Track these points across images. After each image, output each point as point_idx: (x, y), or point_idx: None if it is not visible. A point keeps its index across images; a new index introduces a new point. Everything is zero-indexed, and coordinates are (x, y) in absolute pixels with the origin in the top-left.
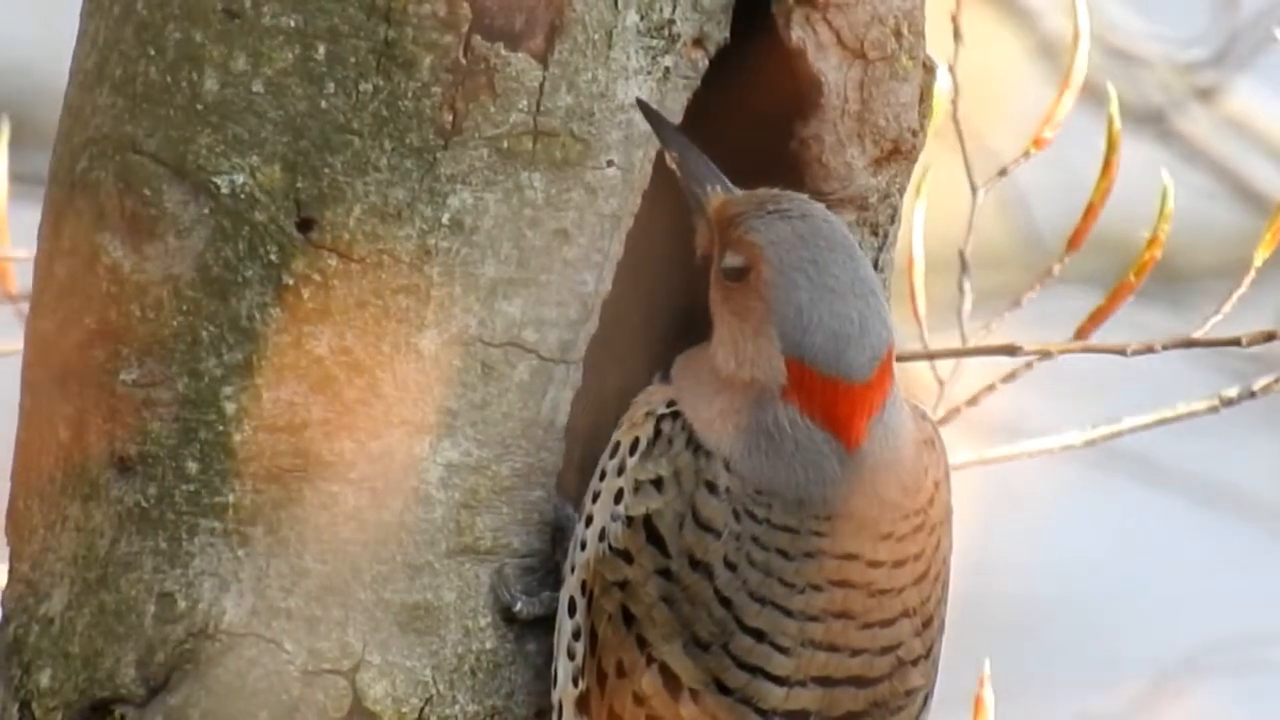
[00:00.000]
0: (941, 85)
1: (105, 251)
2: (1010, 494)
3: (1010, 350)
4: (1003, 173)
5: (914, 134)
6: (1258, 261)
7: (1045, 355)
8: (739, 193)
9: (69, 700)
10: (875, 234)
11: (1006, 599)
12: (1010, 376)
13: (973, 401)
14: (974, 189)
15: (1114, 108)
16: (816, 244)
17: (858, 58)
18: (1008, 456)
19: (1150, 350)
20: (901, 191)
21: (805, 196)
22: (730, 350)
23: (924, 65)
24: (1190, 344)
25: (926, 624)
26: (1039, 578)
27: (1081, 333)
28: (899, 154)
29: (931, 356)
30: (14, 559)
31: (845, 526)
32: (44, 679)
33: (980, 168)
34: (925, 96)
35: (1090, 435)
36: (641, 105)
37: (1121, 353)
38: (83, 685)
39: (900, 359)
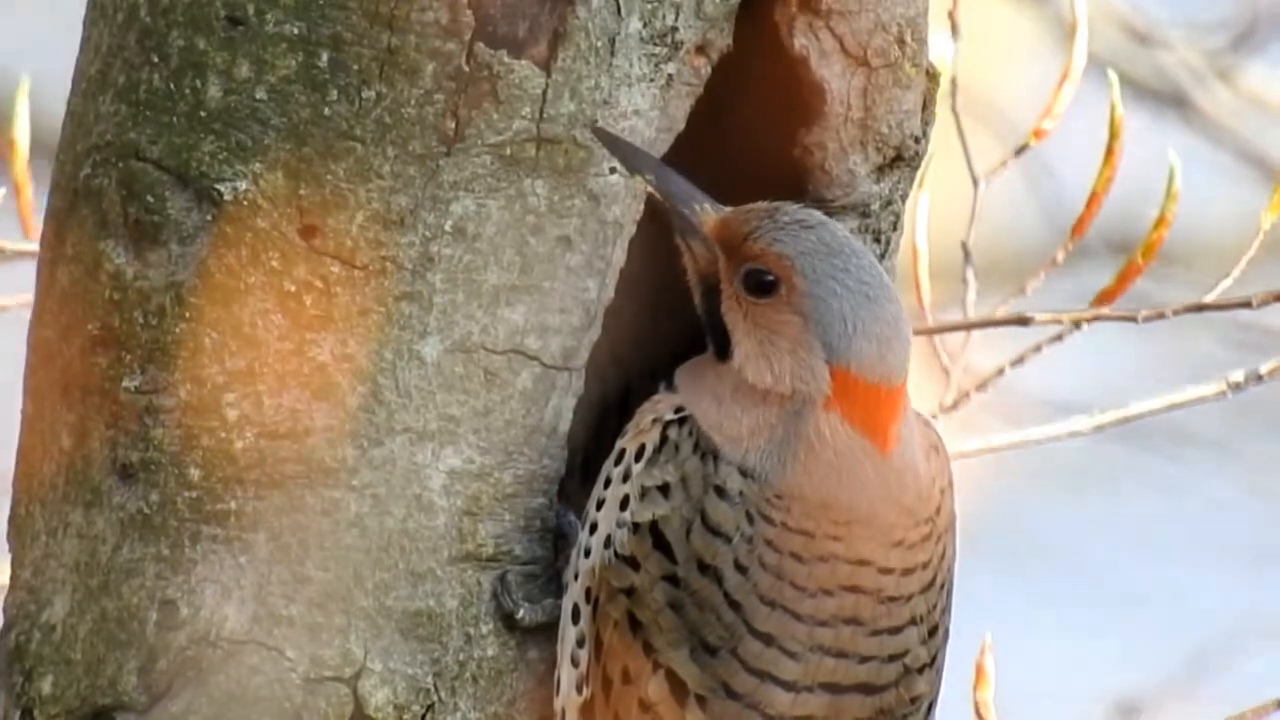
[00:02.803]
0: (945, 58)
1: (108, 258)
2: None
3: (1023, 321)
4: (1004, 164)
5: (917, 141)
6: (1266, 224)
7: (1058, 325)
8: (728, 209)
9: (71, 707)
10: (878, 241)
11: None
12: (1020, 360)
13: (982, 387)
14: (975, 182)
15: (1115, 93)
16: (842, 251)
17: (861, 65)
18: (1014, 445)
19: (1161, 316)
20: (904, 198)
21: (801, 205)
22: (763, 365)
23: (927, 72)
24: (1201, 308)
25: (932, 632)
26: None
27: (1095, 305)
28: (901, 161)
29: (942, 329)
30: (16, 565)
31: (861, 532)
32: (46, 686)
33: (1006, 142)
34: (928, 104)
35: (1099, 420)
36: (598, 133)
37: (1133, 319)
38: (84, 692)
39: (915, 332)
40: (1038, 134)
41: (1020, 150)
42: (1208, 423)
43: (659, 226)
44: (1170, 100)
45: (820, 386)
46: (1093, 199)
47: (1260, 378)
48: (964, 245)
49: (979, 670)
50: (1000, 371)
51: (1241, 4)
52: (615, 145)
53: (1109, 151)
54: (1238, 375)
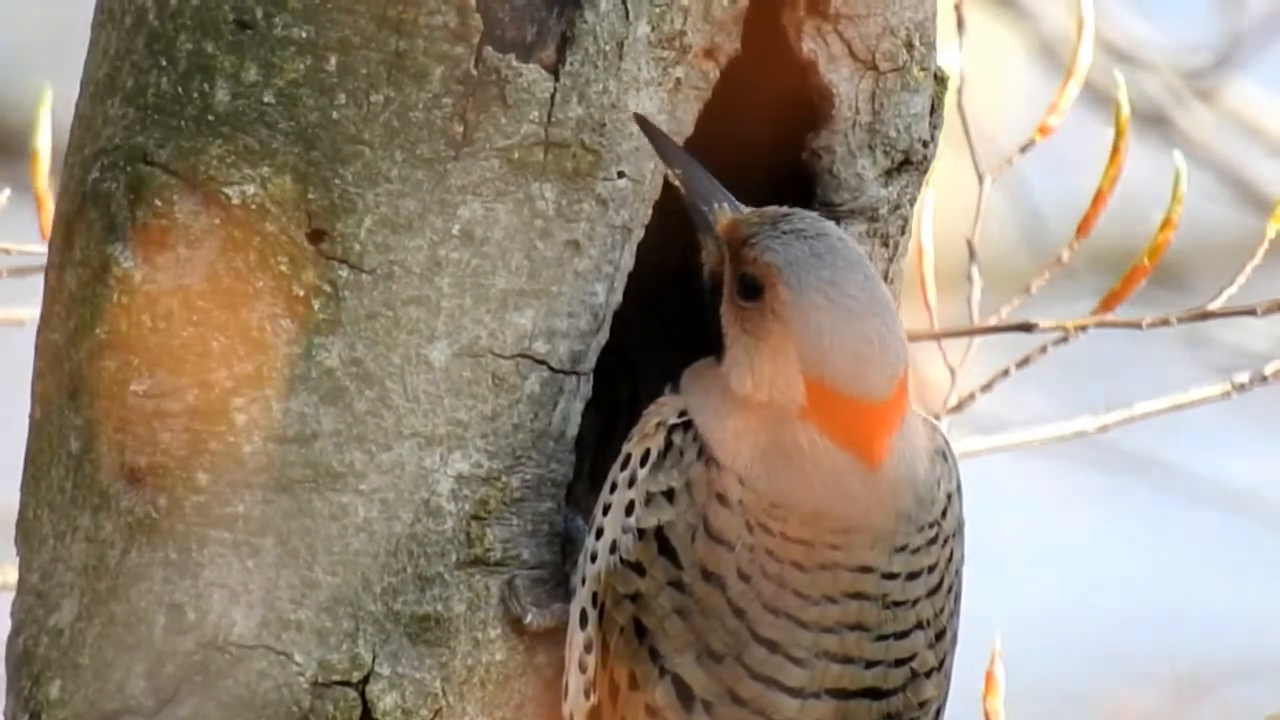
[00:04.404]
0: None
1: (116, 262)
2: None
3: (1026, 327)
4: (1009, 162)
5: (925, 145)
6: (1271, 234)
7: (1062, 333)
8: (746, 210)
9: (79, 712)
10: (886, 245)
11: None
12: (1025, 362)
13: (987, 387)
14: (980, 177)
15: (1122, 93)
16: (834, 263)
17: (869, 69)
18: (1021, 443)
19: (1166, 323)
20: (912, 203)
21: (816, 214)
22: (746, 371)
23: (935, 76)
24: (1205, 316)
25: (939, 636)
26: (1048, 579)
27: (1098, 312)
28: (910, 165)
29: (946, 335)
30: (24, 569)
31: (861, 540)
32: (54, 690)
33: (984, 165)
34: (936, 107)
35: (1103, 420)
36: (640, 121)
37: (1137, 326)
38: (92, 697)
39: (916, 337)
40: (1043, 130)
41: (1025, 148)
42: None
43: (685, 224)
44: (1150, 120)
45: (795, 397)
46: (1098, 197)
47: (1265, 379)
48: (969, 243)
49: (989, 678)
50: (1005, 372)
51: (1222, 24)
52: (653, 135)
53: (1114, 151)
54: (1242, 376)
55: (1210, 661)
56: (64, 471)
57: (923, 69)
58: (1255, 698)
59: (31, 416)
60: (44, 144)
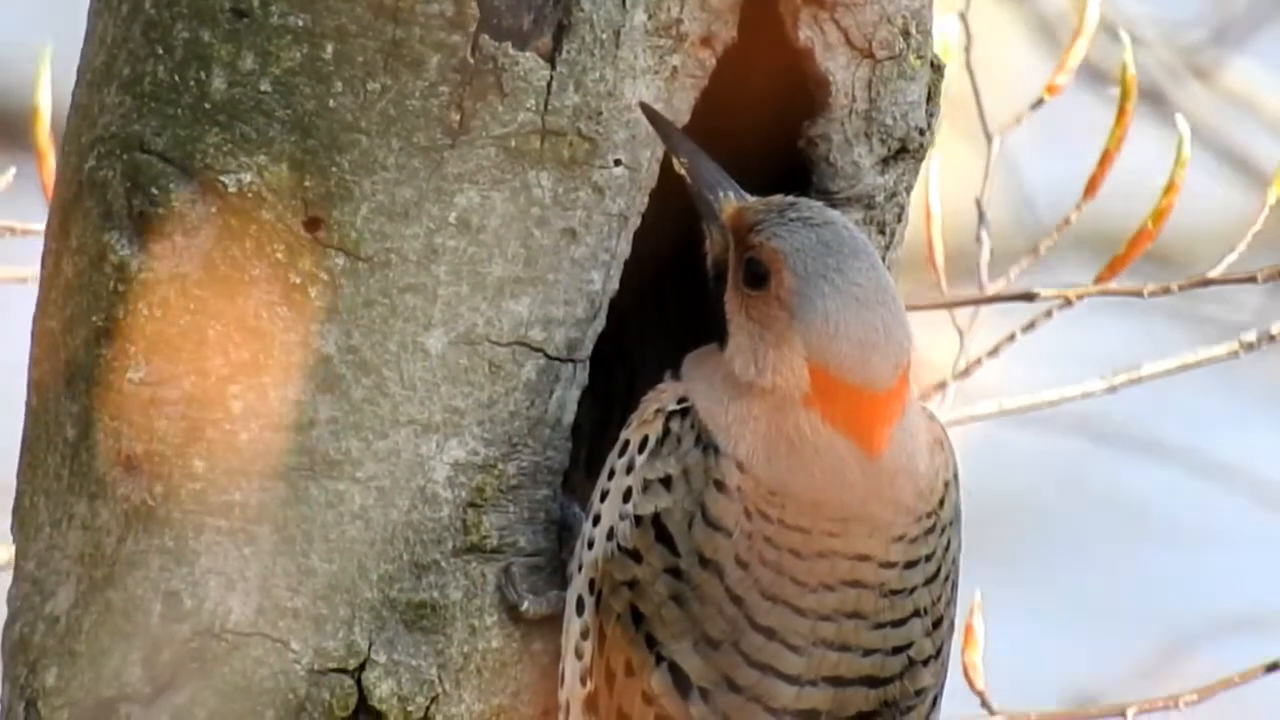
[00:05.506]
0: (950, 38)
1: (112, 250)
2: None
3: (1028, 296)
4: (1017, 121)
5: (921, 133)
6: (1271, 199)
7: (1064, 301)
8: (752, 198)
9: (75, 699)
10: (882, 233)
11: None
12: (1030, 326)
13: (993, 353)
14: (989, 137)
15: (1127, 53)
16: (840, 251)
17: (865, 57)
18: (1028, 407)
19: (1167, 291)
20: (909, 190)
21: (821, 203)
22: (750, 357)
23: (931, 64)
24: (1206, 283)
25: (936, 624)
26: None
27: (1101, 280)
28: (906, 153)
29: (951, 305)
30: (20, 557)
31: (859, 528)
32: (50, 678)
33: (984, 146)
34: (933, 95)
35: (1112, 381)
36: (645, 109)
37: (1139, 294)
38: (89, 684)
39: (920, 307)
40: (1051, 89)
41: (1036, 105)
42: None
43: (683, 212)
44: (1147, 97)
45: (799, 383)
46: (1104, 158)
47: (1272, 338)
48: (978, 202)
49: (968, 631)
50: (1011, 337)
51: (1218, 1)
52: (658, 123)
53: (1121, 112)
54: (1250, 335)
55: (1201, 629)
56: (60, 459)
57: (919, 57)
58: (1246, 663)
59: (28, 403)
60: (44, 100)
